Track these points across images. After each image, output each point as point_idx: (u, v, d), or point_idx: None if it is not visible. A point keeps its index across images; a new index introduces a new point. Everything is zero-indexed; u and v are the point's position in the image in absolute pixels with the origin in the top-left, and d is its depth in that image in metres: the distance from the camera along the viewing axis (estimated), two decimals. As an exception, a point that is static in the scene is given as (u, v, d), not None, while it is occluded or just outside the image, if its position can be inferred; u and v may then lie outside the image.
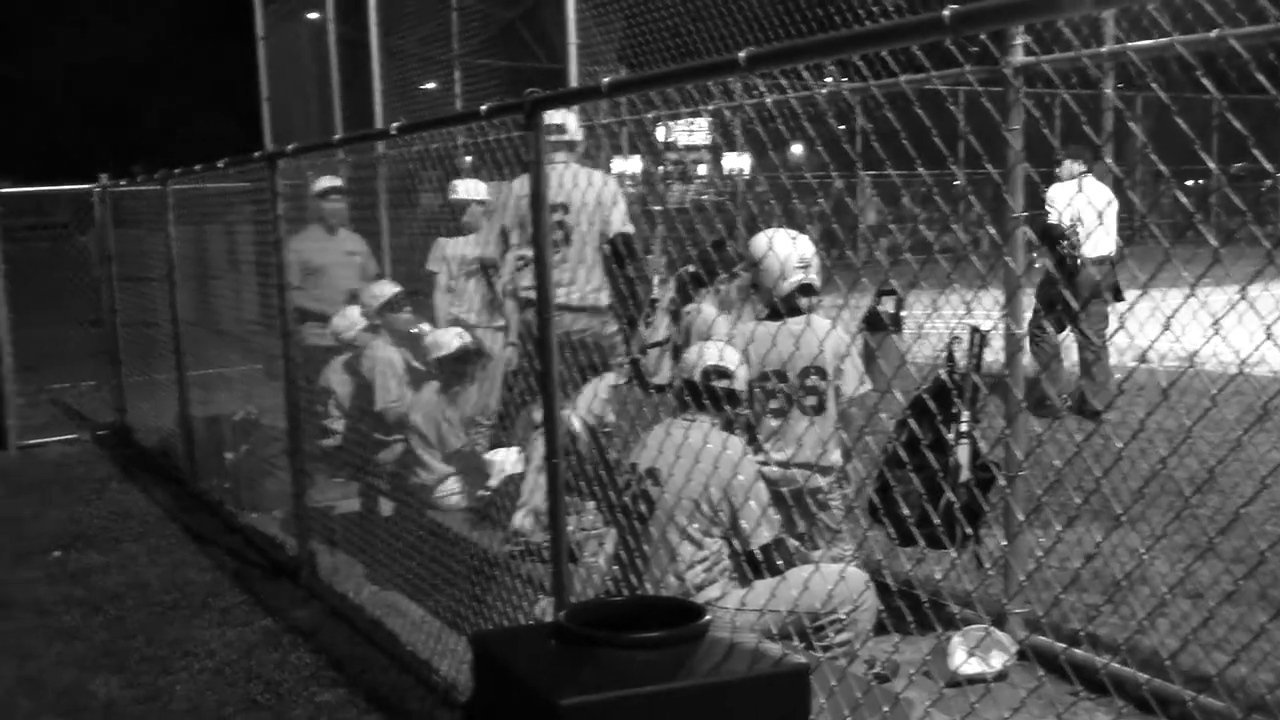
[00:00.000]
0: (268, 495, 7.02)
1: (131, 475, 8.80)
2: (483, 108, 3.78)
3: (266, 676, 4.86)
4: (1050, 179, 8.62)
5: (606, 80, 3.19)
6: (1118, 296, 8.34)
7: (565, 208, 5.76)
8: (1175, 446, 2.63)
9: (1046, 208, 7.96)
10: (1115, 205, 8.28)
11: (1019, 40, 4.30)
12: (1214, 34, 2.64)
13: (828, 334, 4.59)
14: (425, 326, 6.25)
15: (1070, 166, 8.61)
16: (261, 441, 7.31)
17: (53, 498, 8.18)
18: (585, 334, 5.87)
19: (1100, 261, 8.14)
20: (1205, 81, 2.26)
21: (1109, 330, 8.32)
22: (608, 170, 7.22)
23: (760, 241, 4.79)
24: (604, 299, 6.02)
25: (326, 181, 7.97)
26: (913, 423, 4.33)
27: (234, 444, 7.59)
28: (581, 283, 5.81)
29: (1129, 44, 3.98)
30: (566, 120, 5.99)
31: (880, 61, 4.51)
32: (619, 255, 5.71)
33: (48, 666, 5.13)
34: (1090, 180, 8.60)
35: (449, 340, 5.84)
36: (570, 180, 5.68)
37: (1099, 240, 8.05)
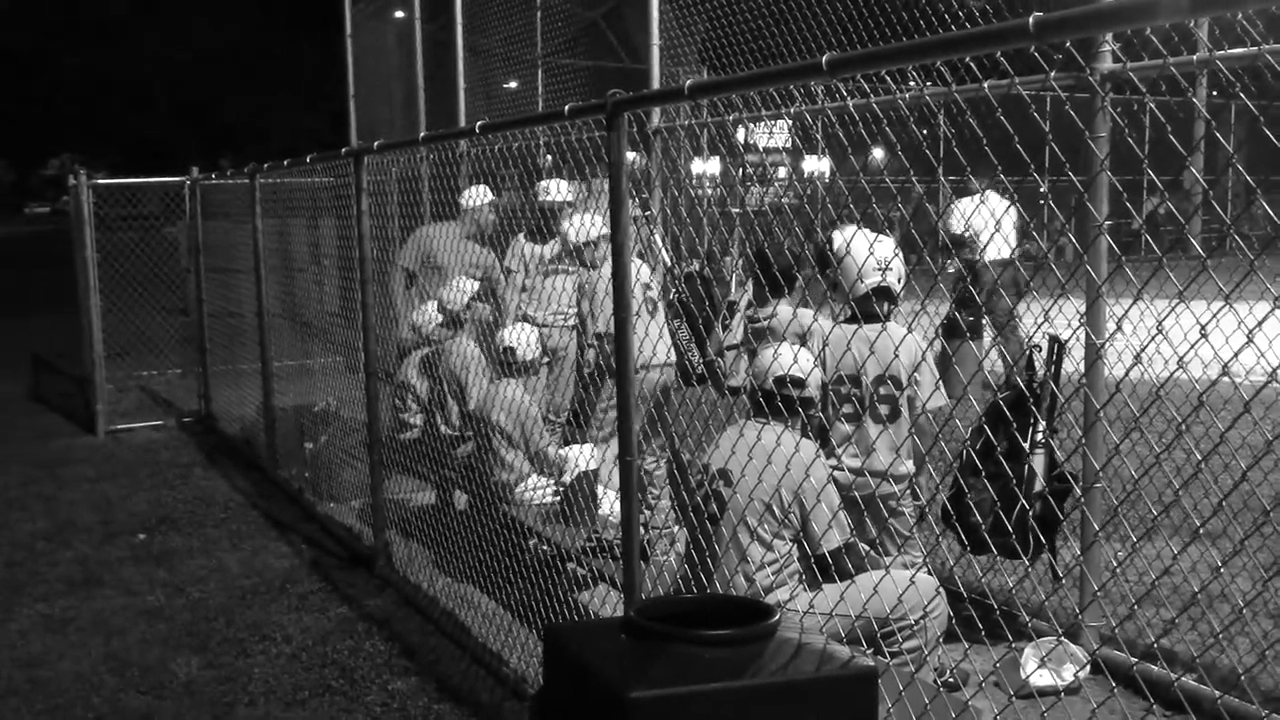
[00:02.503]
0: (345, 485, 7.16)
1: (215, 462, 9.02)
2: (566, 108, 3.81)
3: (341, 662, 4.96)
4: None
5: (689, 82, 3.20)
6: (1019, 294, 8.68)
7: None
8: (1257, 459, 2.59)
9: (948, 219, 9.24)
10: (1012, 217, 9.24)
11: (1106, 47, 4.24)
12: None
13: (902, 342, 4.55)
14: (513, 329, 6.28)
15: (977, 184, 9.76)
16: (340, 432, 7.44)
17: (139, 481, 8.41)
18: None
19: (1001, 264, 9.02)
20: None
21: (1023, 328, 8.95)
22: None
23: (839, 241, 4.77)
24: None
25: (488, 195, 7.74)
26: (989, 430, 4.29)
27: (314, 434, 7.74)
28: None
29: (1218, 53, 3.90)
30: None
31: (964, 66, 4.47)
32: None
33: (133, 644, 5.28)
34: (993, 196, 9.50)
35: (535, 340, 5.93)
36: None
37: (998, 246, 9.15)
